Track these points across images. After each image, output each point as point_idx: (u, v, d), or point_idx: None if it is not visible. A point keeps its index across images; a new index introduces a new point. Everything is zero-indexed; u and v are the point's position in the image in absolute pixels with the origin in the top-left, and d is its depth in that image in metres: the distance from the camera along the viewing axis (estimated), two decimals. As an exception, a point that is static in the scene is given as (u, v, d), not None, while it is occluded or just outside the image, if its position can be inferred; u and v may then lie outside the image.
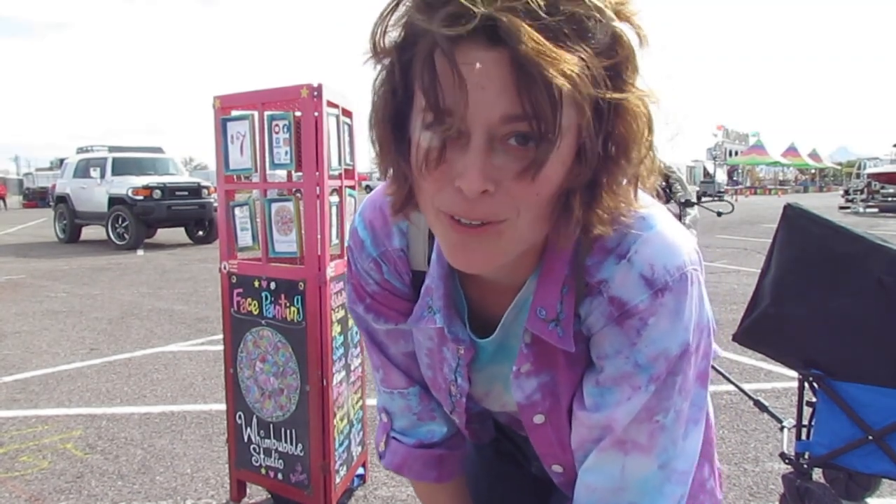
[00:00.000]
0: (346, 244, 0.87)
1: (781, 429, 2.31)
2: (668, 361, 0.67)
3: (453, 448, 0.95)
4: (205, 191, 12.37)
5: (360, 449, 2.50)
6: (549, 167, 0.57)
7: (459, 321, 0.79)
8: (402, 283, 0.82)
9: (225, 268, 2.29)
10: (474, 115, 0.55)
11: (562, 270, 0.69)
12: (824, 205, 17.38)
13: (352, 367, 2.38)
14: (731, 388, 2.81)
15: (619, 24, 0.57)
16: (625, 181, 0.62)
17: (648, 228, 0.67)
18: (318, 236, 2.12)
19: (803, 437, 2.14)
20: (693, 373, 0.70)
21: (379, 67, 0.62)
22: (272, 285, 2.19)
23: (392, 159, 0.65)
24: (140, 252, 11.19)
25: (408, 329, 0.86)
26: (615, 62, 0.57)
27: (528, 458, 0.98)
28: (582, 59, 0.54)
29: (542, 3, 0.52)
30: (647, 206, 0.68)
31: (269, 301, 2.20)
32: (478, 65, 0.53)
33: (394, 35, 0.59)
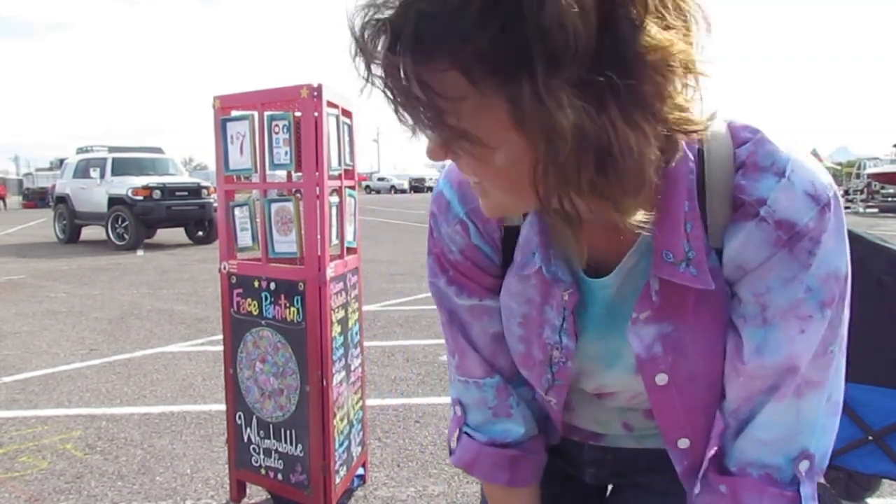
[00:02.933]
0: (429, 211, 0.82)
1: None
2: (838, 283, 0.63)
3: (529, 452, 0.86)
4: (204, 191, 12.37)
5: (360, 449, 2.49)
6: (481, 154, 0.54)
7: (560, 261, 0.72)
8: (492, 244, 0.77)
9: (225, 268, 2.28)
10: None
11: (680, 205, 0.64)
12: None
13: (352, 368, 2.38)
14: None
15: None
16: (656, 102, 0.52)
17: (791, 150, 0.63)
18: (318, 237, 2.12)
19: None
20: (849, 297, 0.66)
21: None
22: (272, 286, 2.19)
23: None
24: (140, 252, 11.19)
25: (493, 306, 0.81)
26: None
27: (581, 466, 0.91)
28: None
29: None
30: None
31: (268, 301, 2.20)
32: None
33: None
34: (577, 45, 0.47)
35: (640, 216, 0.59)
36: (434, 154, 0.58)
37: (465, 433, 0.88)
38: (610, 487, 0.96)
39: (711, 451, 0.71)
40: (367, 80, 0.53)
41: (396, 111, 0.54)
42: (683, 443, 0.74)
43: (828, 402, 0.67)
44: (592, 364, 0.76)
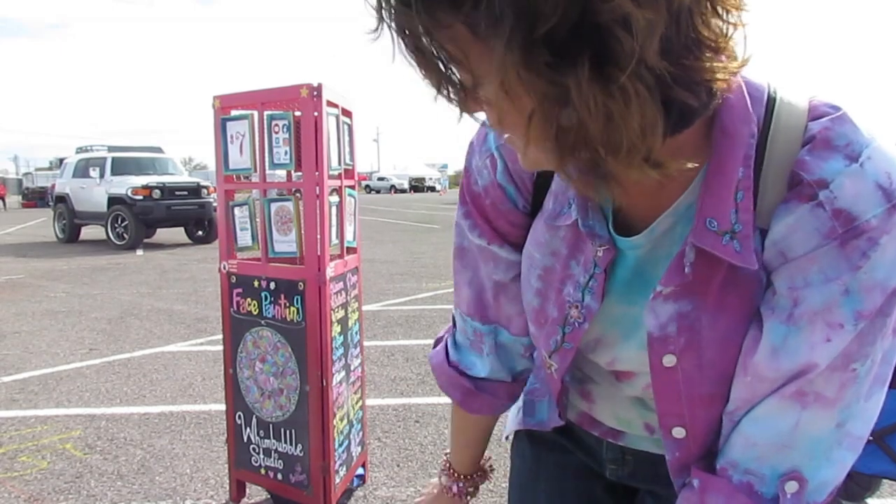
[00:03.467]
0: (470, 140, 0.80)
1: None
2: (884, 295, 0.55)
3: (486, 391, 0.88)
4: (204, 191, 12.37)
5: (359, 449, 2.49)
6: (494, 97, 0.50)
7: (601, 214, 0.67)
8: (519, 185, 0.73)
9: (224, 268, 2.28)
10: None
11: (734, 171, 0.57)
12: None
13: (352, 368, 2.38)
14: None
15: None
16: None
17: (875, 137, 0.55)
18: (318, 236, 2.12)
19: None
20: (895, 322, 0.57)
21: None
22: (272, 285, 2.18)
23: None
24: (139, 252, 11.19)
25: (501, 255, 0.78)
26: None
27: (602, 462, 0.89)
28: None
29: None
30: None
31: (268, 301, 2.19)
32: None
33: None
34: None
35: (682, 165, 0.55)
36: (465, 105, 0.53)
37: (447, 344, 0.92)
38: (638, 496, 0.94)
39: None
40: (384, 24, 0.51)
41: (419, 64, 0.52)
42: (678, 432, 0.70)
43: (838, 428, 0.60)
44: (610, 331, 0.72)
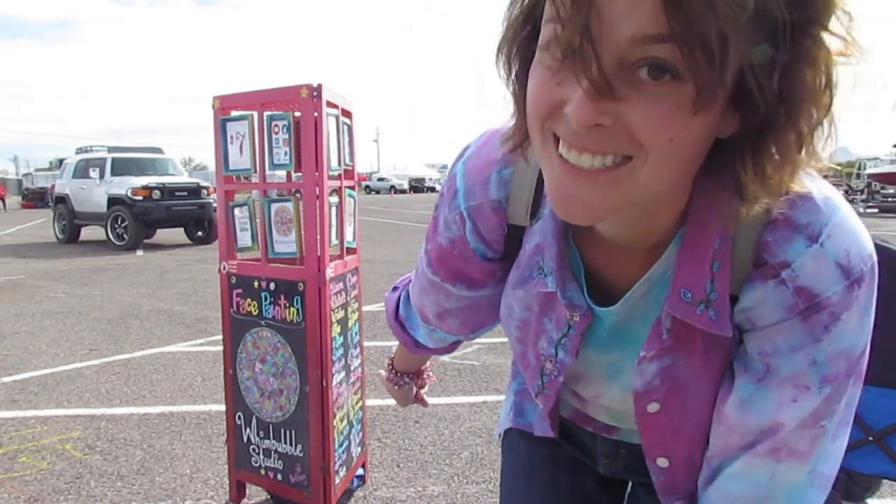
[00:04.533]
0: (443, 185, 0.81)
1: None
2: (848, 361, 0.59)
3: (423, 348, 1.00)
4: (204, 191, 12.36)
5: (359, 449, 2.49)
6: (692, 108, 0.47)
7: (575, 283, 0.69)
8: (488, 243, 0.74)
9: (224, 268, 2.28)
10: (597, 29, 0.45)
11: (710, 242, 0.59)
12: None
13: (351, 368, 2.38)
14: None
15: None
16: (796, 148, 0.50)
17: (837, 210, 0.57)
18: (318, 237, 2.12)
19: (803, 437, 2.14)
20: (861, 370, 0.63)
21: None
22: (272, 286, 2.18)
23: (512, 84, 0.57)
24: (139, 252, 11.18)
25: (454, 292, 0.80)
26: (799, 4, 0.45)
27: (596, 457, 0.91)
28: None
29: None
30: (818, 176, 0.58)
31: (268, 301, 2.19)
32: None
33: None
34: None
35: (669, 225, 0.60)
36: (589, 111, 0.47)
37: (400, 298, 1.01)
38: (629, 488, 0.95)
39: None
40: None
41: None
42: (662, 462, 0.73)
43: (811, 474, 0.63)
44: (593, 372, 0.75)
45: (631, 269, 0.65)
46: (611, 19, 0.44)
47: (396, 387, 1.16)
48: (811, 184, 0.57)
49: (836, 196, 0.59)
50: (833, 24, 0.47)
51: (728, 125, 0.51)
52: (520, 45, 0.55)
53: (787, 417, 0.60)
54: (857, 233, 0.57)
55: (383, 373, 1.18)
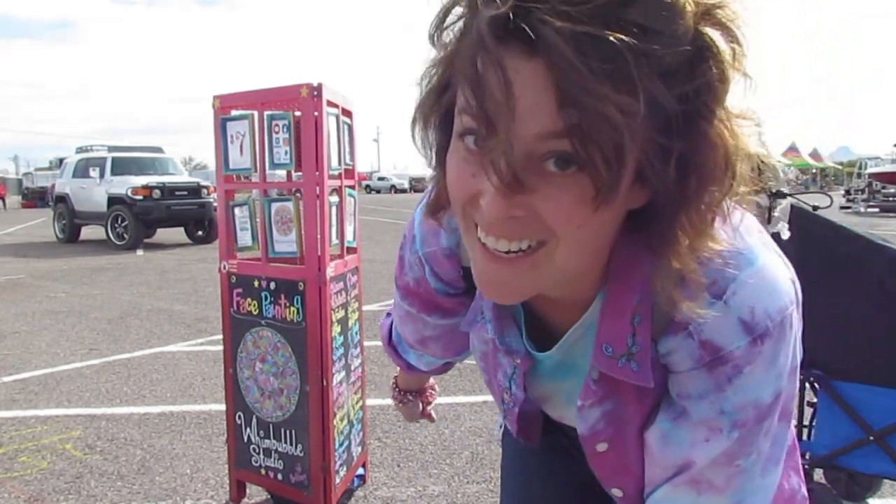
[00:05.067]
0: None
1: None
2: (757, 410, 0.62)
3: (416, 370, 1.05)
4: (204, 190, 12.36)
5: (360, 449, 2.49)
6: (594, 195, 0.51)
7: (515, 330, 0.74)
8: (445, 283, 0.79)
9: (224, 268, 2.28)
10: (505, 127, 0.49)
11: (630, 299, 0.62)
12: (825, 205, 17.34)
13: (352, 368, 2.38)
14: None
15: (709, 31, 0.49)
16: (704, 216, 0.54)
17: (748, 265, 0.60)
18: (318, 236, 2.12)
19: (804, 437, 2.14)
20: (779, 414, 0.64)
21: (434, 56, 0.57)
22: (272, 285, 2.18)
23: (430, 160, 0.61)
24: (139, 252, 11.18)
25: (429, 321, 0.86)
26: (695, 86, 0.49)
27: (584, 453, 0.95)
28: (643, 77, 0.46)
29: (598, 6, 0.45)
30: (744, 232, 0.61)
31: (268, 301, 2.19)
32: (515, 73, 0.47)
33: (451, 29, 0.54)
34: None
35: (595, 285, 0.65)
36: (502, 206, 0.51)
37: (392, 325, 1.05)
38: None
39: None
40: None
41: None
42: (617, 492, 0.78)
43: None
44: (553, 397, 0.80)
45: (568, 315, 0.70)
46: (518, 116, 0.48)
47: (402, 404, 1.20)
48: (731, 236, 0.59)
49: (755, 248, 0.61)
50: (729, 99, 0.51)
51: (638, 198, 0.54)
52: (436, 121, 0.59)
53: (698, 455, 0.64)
54: (766, 288, 0.60)
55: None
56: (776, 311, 0.60)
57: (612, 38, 0.45)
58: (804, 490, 0.81)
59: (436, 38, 0.55)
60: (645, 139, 0.49)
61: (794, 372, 0.64)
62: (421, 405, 1.22)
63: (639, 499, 0.75)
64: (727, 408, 0.62)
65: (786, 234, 1.01)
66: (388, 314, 1.08)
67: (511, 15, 0.46)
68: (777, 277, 0.61)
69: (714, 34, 0.49)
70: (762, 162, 0.56)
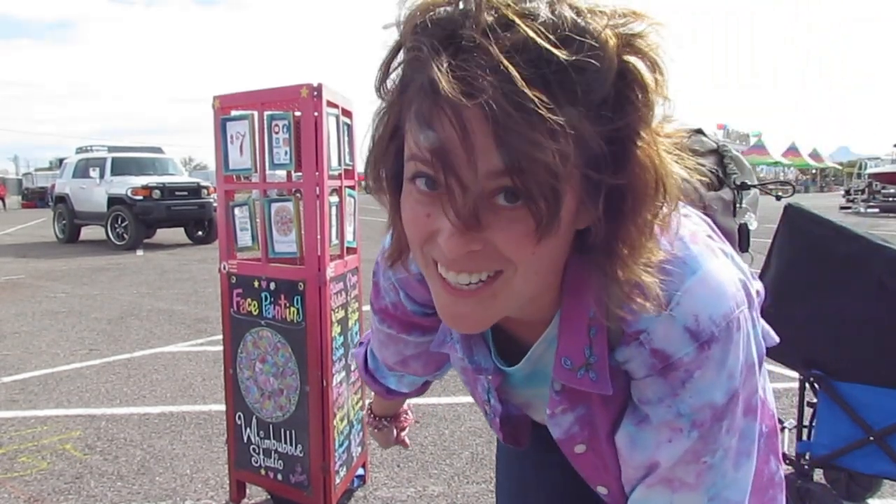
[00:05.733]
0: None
1: (782, 429, 2.30)
2: (713, 410, 0.64)
3: (396, 394, 1.08)
4: (204, 191, 12.36)
5: (360, 449, 2.49)
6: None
7: (484, 348, 0.77)
8: (421, 305, 0.83)
9: (224, 268, 2.28)
10: (457, 170, 0.52)
11: (584, 313, 0.66)
12: (825, 205, 17.37)
13: (352, 368, 2.38)
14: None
15: (632, 60, 0.54)
16: (642, 233, 0.58)
17: (691, 274, 0.62)
18: (318, 237, 2.12)
19: (804, 437, 2.14)
20: (741, 411, 0.67)
21: (381, 105, 0.61)
22: (272, 286, 2.18)
23: (386, 206, 0.65)
24: (139, 252, 11.18)
25: (410, 340, 0.89)
26: (624, 113, 0.53)
27: None
28: (572, 118, 0.50)
29: (530, 54, 0.49)
30: (689, 241, 0.64)
31: (268, 301, 2.19)
32: (451, 120, 0.51)
33: (394, 77, 0.58)
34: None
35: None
36: (460, 244, 0.55)
37: (367, 351, 1.08)
38: None
39: None
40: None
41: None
42: (602, 490, 0.80)
43: (712, 501, 0.68)
44: (532, 403, 0.83)
45: (532, 330, 0.73)
46: (467, 160, 0.51)
47: (377, 430, 1.21)
48: (675, 246, 0.63)
49: (699, 256, 0.64)
50: (656, 122, 0.56)
51: (584, 218, 0.58)
52: (387, 166, 0.61)
53: (663, 456, 0.67)
54: (710, 295, 0.62)
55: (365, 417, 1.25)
56: (721, 316, 0.62)
57: (540, 87, 0.49)
58: (782, 472, 0.83)
59: (382, 91, 0.59)
60: (580, 173, 0.54)
61: (751, 368, 0.66)
62: (395, 431, 1.22)
63: (623, 496, 0.76)
64: (684, 410, 0.64)
65: (753, 225, 1.01)
66: (362, 343, 1.11)
67: (451, 70, 0.50)
68: (721, 283, 0.63)
69: (637, 63, 0.54)
70: (685, 180, 0.61)
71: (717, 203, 0.90)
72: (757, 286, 0.74)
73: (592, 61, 0.51)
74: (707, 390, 0.63)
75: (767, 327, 0.77)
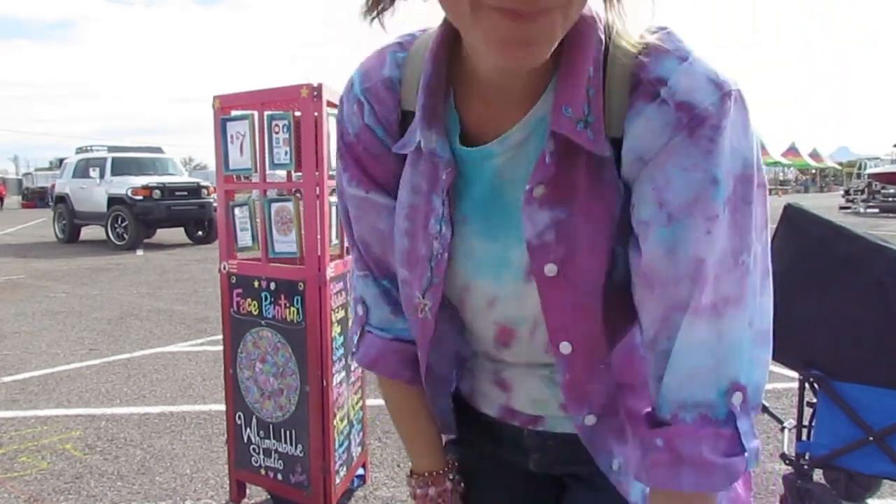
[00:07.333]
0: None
1: (782, 429, 2.30)
2: (744, 176, 0.63)
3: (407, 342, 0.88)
4: (204, 191, 12.37)
5: (360, 449, 2.49)
6: None
7: (444, 137, 0.70)
8: (386, 126, 0.76)
9: (224, 268, 2.28)
10: None
11: (585, 68, 0.63)
12: (825, 205, 17.38)
13: (352, 368, 2.38)
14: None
15: None
16: None
17: (692, 49, 0.64)
18: (318, 236, 2.12)
19: (804, 437, 2.14)
20: (762, 209, 0.65)
21: None
22: (272, 286, 2.18)
23: None
24: (139, 252, 11.19)
25: (381, 202, 0.79)
26: None
27: (525, 452, 0.89)
28: None
29: None
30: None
31: (268, 301, 2.19)
32: None
33: None
34: None
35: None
36: None
37: (369, 331, 0.87)
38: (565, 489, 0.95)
39: (644, 411, 0.70)
40: None
41: None
42: (565, 347, 0.72)
43: (751, 328, 0.65)
44: (480, 271, 0.74)
45: (512, 114, 0.68)
46: None
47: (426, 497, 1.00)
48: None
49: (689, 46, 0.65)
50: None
51: None
52: None
53: (706, 251, 0.62)
54: (714, 64, 0.63)
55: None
56: (734, 80, 0.62)
57: None
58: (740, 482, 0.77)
59: None
60: None
61: (759, 163, 0.65)
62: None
63: (588, 357, 0.72)
64: (716, 174, 0.61)
65: None
66: (357, 344, 0.91)
67: None
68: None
69: None
70: None
71: None
72: None
73: None
74: (736, 147, 0.62)
75: None
